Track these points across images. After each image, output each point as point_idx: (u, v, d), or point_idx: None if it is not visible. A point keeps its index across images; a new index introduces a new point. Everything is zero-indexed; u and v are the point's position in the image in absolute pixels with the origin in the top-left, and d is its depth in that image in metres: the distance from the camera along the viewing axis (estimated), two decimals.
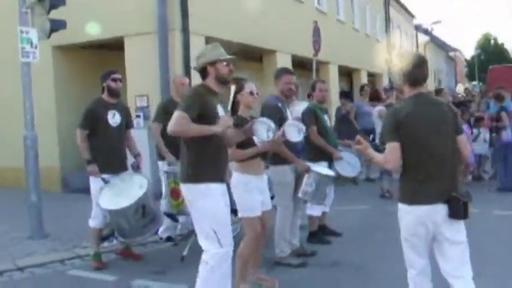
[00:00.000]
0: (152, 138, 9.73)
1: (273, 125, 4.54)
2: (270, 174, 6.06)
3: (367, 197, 10.17)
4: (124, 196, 5.92)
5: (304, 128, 5.20)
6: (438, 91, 12.56)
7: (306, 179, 6.07)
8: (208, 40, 11.37)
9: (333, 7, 20.30)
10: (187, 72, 10.63)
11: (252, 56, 15.54)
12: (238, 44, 12.89)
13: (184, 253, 6.30)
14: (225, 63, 4.39)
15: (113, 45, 11.50)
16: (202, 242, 4.26)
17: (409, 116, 3.67)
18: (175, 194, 6.43)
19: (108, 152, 6.20)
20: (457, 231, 3.66)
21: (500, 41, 73.83)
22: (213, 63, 4.38)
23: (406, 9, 34.87)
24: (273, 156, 5.89)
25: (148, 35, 10.65)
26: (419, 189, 3.64)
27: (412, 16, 37.06)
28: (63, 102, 11.99)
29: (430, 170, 3.64)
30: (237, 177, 5.16)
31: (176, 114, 4.09)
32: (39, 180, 7.81)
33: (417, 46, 36.81)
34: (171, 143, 6.84)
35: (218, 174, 4.29)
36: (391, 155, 3.68)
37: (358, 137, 3.96)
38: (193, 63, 10.76)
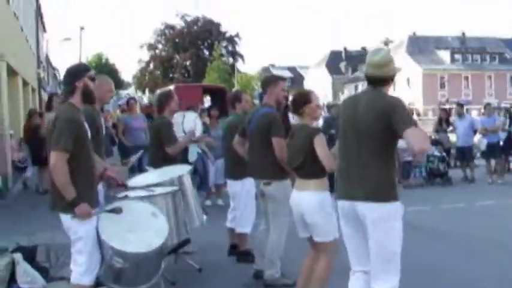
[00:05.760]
0: None
1: None
2: (274, 190, 5.52)
3: None
4: (143, 231, 4.55)
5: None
6: None
7: None
8: None
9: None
10: None
11: None
12: None
13: None
14: None
15: None
16: (383, 270, 3.86)
17: None
18: None
19: (91, 177, 4.50)
20: None
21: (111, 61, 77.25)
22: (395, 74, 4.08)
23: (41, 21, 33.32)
24: (276, 171, 5.50)
25: None
26: None
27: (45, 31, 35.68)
28: None
29: None
30: (322, 196, 4.72)
31: (418, 130, 3.77)
32: None
33: None
34: None
35: None
36: None
37: None
38: None
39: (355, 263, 4.12)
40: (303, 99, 4.93)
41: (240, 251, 6.71)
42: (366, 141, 3.80)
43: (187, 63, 64.69)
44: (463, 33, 67.79)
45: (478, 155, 14.46)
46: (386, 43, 38.86)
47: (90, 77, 4.59)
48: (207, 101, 22.13)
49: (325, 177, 4.75)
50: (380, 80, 3.93)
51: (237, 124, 6.56)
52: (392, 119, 3.67)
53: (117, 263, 4.43)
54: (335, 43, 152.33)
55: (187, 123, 7.21)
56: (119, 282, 4.62)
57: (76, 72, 4.60)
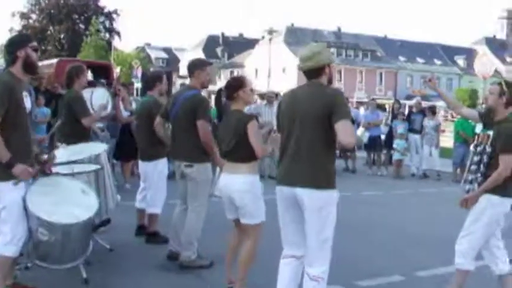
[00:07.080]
0: None
1: None
2: (195, 172, 5.60)
3: None
4: (72, 206, 4.52)
5: None
6: None
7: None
8: None
9: None
10: None
11: None
12: None
13: (84, 275, 5.08)
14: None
15: None
16: (317, 254, 4.07)
17: None
18: None
19: (27, 148, 4.46)
20: None
21: None
22: (330, 64, 4.25)
23: None
24: (199, 153, 5.61)
25: None
26: None
27: None
28: None
29: None
30: (252, 179, 4.86)
31: (350, 124, 3.95)
32: None
33: None
34: None
35: None
36: None
37: None
38: None
39: (288, 247, 4.29)
40: (238, 84, 5.00)
41: (148, 231, 6.72)
42: (308, 132, 3.97)
43: (62, 36, 62.00)
44: (339, 29, 70.77)
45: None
46: (270, 32, 39.75)
47: (32, 47, 4.57)
48: (89, 76, 21.40)
49: (256, 161, 4.88)
50: (309, 72, 4.18)
51: (151, 105, 6.55)
52: (332, 110, 3.89)
53: (43, 235, 4.39)
54: (213, 28, 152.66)
55: (96, 99, 7.02)
56: (45, 259, 4.60)
57: (18, 41, 4.61)
